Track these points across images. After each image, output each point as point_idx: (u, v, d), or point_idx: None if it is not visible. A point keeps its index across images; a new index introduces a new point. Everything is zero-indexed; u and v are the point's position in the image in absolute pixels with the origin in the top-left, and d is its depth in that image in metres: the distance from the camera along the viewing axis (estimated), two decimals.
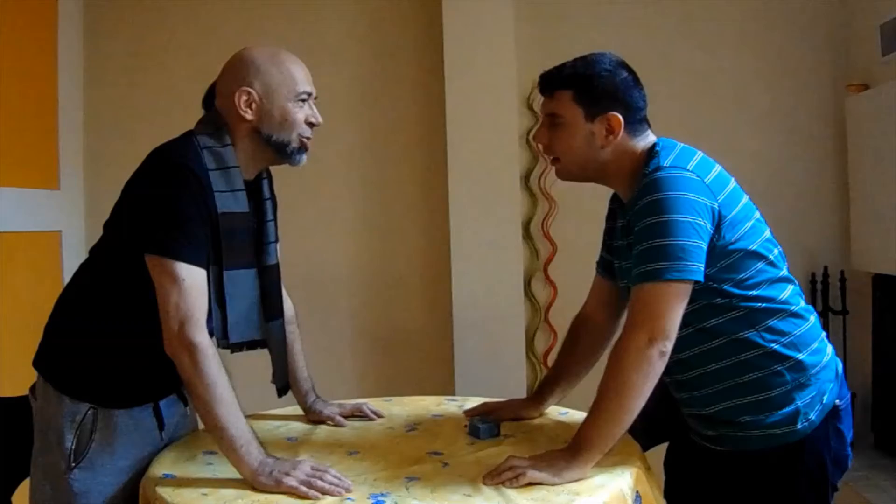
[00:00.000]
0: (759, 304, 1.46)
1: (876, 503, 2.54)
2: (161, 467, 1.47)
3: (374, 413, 1.83)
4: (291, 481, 1.31)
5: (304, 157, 1.58)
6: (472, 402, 1.88)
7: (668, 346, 1.36)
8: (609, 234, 1.69)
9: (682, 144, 1.51)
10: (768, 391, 1.46)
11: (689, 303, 1.40)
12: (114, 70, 3.36)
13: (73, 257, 3.20)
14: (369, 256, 3.37)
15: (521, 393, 2.94)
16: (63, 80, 3.18)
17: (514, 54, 3.17)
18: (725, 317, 1.46)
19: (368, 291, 3.30)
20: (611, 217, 1.67)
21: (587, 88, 1.49)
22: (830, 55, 3.30)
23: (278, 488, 1.31)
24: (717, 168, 1.49)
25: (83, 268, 1.60)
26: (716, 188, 1.43)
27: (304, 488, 1.30)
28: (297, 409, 1.87)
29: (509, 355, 3.17)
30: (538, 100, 3.30)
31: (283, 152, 1.55)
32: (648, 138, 1.54)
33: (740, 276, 1.45)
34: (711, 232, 1.40)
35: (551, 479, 1.33)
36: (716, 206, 1.41)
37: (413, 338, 3.36)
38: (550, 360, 3.11)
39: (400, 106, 3.35)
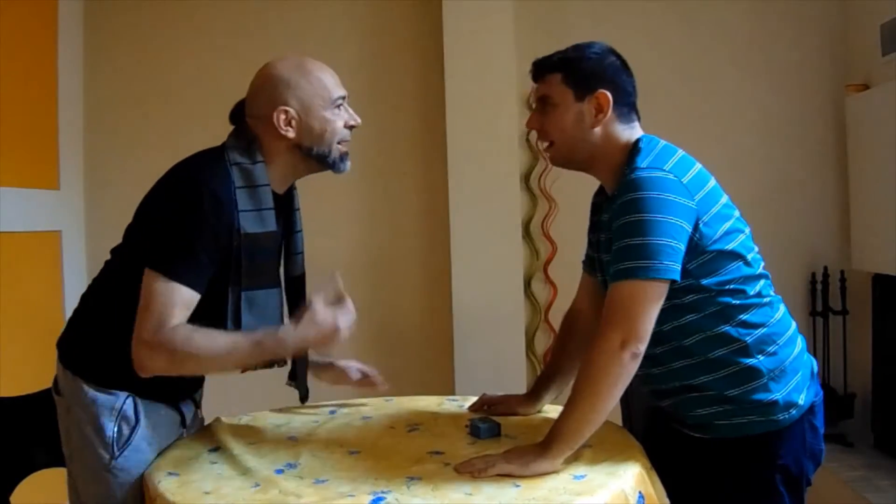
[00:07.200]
0: (734, 300, 1.47)
1: (876, 503, 2.54)
2: (164, 466, 1.47)
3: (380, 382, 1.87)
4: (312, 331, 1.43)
5: (348, 163, 1.58)
6: (472, 401, 1.88)
7: (641, 348, 1.38)
8: (592, 228, 1.70)
9: (664, 143, 1.52)
10: (745, 385, 1.47)
11: (666, 300, 1.41)
12: (114, 70, 3.36)
13: (73, 257, 3.20)
14: (369, 256, 3.37)
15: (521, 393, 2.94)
16: (63, 80, 3.17)
17: (514, 54, 3.17)
18: (701, 313, 1.47)
19: (368, 291, 3.29)
20: (595, 211, 1.69)
21: (576, 69, 1.53)
22: (830, 55, 3.30)
23: (315, 336, 1.44)
24: (697, 167, 1.50)
25: (109, 263, 1.60)
26: (693, 188, 1.44)
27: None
28: (295, 408, 1.88)
29: (509, 355, 3.17)
30: None
31: (325, 163, 1.55)
32: (635, 130, 1.56)
33: (717, 274, 1.46)
34: (690, 232, 1.41)
35: (520, 470, 1.36)
36: (693, 205, 1.42)
37: (413, 338, 3.36)
38: None
39: (400, 106, 3.34)
